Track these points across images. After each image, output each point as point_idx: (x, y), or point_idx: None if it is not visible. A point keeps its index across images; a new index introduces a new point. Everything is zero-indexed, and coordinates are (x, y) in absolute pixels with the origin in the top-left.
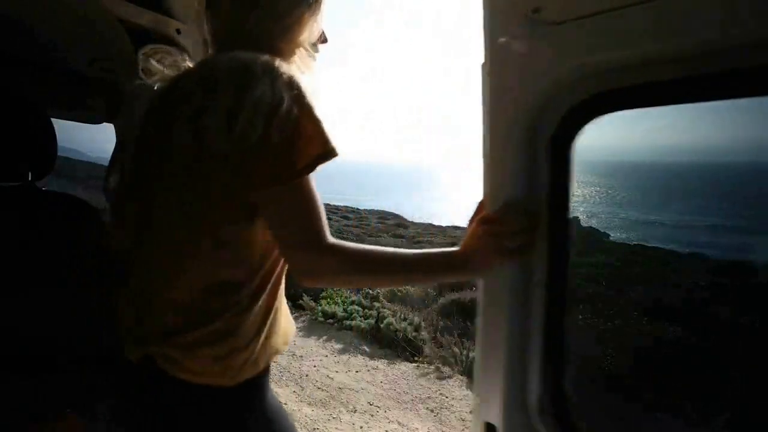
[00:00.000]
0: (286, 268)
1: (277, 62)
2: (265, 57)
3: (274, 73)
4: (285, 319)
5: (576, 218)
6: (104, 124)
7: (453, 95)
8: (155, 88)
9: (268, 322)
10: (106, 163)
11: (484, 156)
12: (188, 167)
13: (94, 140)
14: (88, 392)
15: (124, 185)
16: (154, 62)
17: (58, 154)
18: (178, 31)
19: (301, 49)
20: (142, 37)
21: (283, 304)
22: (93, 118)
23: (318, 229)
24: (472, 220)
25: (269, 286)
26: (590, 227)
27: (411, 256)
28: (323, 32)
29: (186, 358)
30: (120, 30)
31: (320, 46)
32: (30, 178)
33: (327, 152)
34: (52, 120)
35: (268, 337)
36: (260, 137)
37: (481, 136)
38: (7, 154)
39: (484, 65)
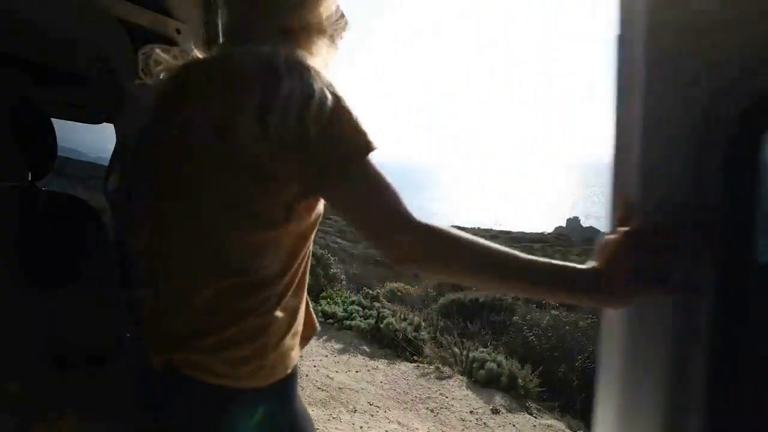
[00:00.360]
0: (309, 265)
1: (300, 54)
2: (288, 50)
3: (299, 67)
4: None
5: (576, 218)
6: (104, 124)
7: (453, 95)
8: (161, 77)
9: (296, 321)
10: (106, 163)
11: (618, 149)
12: (212, 169)
13: (94, 140)
14: (89, 392)
15: (130, 186)
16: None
17: (58, 154)
18: (178, 31)
19: (321, 36)
20: (142, 37)
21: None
22: (93, 118)
23: (398, 208)
24: (613, 232)
25: (295, 285)
26: (590, 227)
27: (528, 261)
28: (345, 19)
29: (214, 360)
30: (120, 30)
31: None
32: (30, 178)
33: (367, 141)
34: (52, 120)
35: (293, 337)
36: (297, 134)
37: (613, 125)
38: (7, 154)
39: (621, 36)
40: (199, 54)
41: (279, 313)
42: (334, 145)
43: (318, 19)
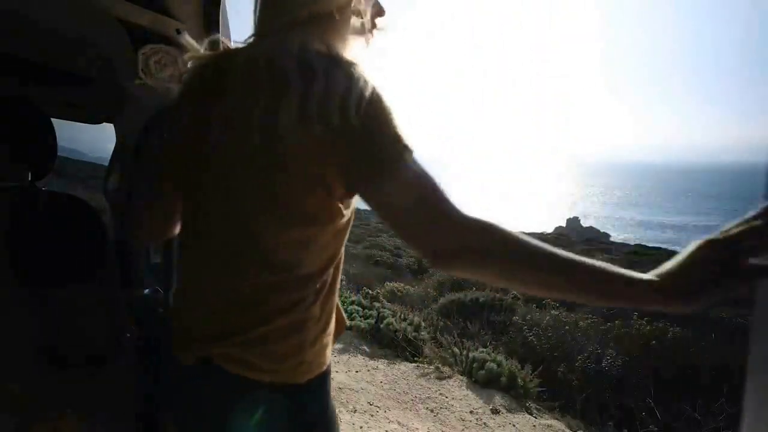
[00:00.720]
0: (342, 263)
1: (336, 48)
2: (323, 44)
3: (336, 61)
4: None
5: (576, 218)
6: (104, 124)
7: (452, 95)
8: (189, 65)
9: (332, 318)
10: (106, 163)
11: None
12: (251, 165)
13: (94, 140)
14: (89, 392)
15: (143, 185)
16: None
17: (58, 154)
18: (178, 31)
19: (348, 24)
20: (142, 37)
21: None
22: (93, 118)
23: (442, 201)
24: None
25: (331, 281)
26: (590, 227)
27: (578, 259)
28: (379, 6)
29: (254, 355)
30: (120, 30)
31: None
32: (30, 178)
33: (408, 139)
34: (52, 120)
35: (329, 334)
36: (338, 128)
37: None
38: (7, 154)
39: None
40: (230, 45)
41: (318, 310)
42: (380, 140)
43: (344, 7)
